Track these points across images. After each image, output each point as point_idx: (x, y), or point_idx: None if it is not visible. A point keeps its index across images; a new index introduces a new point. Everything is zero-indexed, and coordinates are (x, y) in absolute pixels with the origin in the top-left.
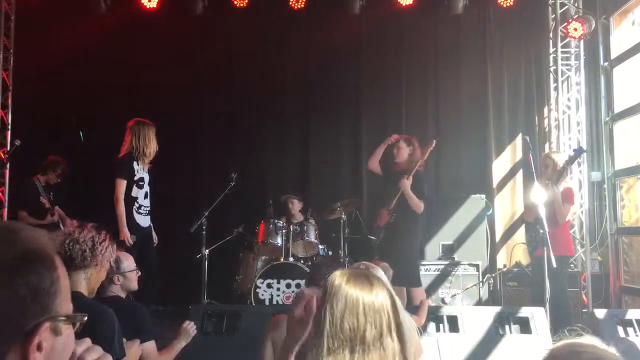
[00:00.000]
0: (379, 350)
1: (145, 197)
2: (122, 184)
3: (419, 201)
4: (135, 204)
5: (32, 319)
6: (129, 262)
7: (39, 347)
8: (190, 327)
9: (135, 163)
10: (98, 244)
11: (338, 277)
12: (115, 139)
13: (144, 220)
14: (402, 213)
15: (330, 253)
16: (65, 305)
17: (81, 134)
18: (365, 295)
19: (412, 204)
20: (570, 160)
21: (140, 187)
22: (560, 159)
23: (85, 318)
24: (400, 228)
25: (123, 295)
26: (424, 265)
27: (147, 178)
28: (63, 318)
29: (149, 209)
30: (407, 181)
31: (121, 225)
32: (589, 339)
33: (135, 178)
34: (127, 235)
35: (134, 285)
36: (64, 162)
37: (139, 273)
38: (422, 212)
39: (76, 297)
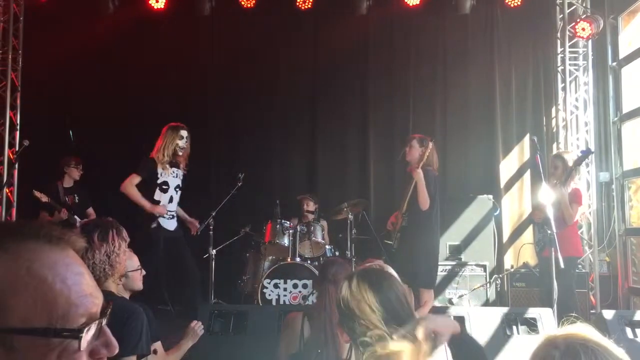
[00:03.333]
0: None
1: (170, 201)
2: (133, 177)
3: (427, 196)
4: None
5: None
6: (132, 262)
7: None
8: (197, 327)
9: (159, 166)
10: (114, 256)
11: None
12: (124, 138)
13: (169, 224)
14: (413, 215)
15: (337, 253)
16: (24, 312)
17: (71, 133)
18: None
19: (422, 197)
20: (578, 161)
21: (164, 191)
22: (570, 159)
23: (91, 332)
24: (413, 230)
25: (127, 295)
26: None
27: (173, 183)
28: (6, 331)
29: (174, 213)
30: (419, 171)
31: (144, 203)
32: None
33: (158, 181)
34: (157, 209)
35: (138, 285)
36: (70, 155)
37: (143, 272)
38: (435, 213)
39: (108, 295)
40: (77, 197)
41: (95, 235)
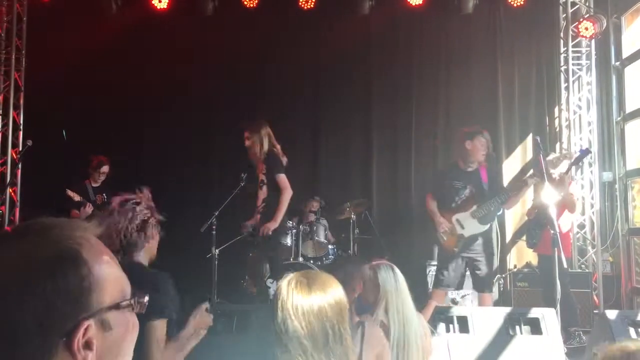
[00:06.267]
0: (329, 354)
1: (257, 196)
2: None
3: None
4: None
5: (68, 321)
6: None
7: (89, 346)
8: (206, 315)
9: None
10: (149, 224)
11: (284, 283)
12: (126, 138)
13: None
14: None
15: (340, 253)
16: (111, 294)
17: (64, 132)
18: (305, 300)
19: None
20: (576, 161)
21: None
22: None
23: (146, 299)
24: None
25: (146, 262)
26: (434, 265)
27: (259, 179)
28: (106, 310)
29: (258, 209)
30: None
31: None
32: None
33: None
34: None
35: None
36: (105, 161)
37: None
38: None
39: (138, 267)
40: (105, 196)
41: (128, 200)
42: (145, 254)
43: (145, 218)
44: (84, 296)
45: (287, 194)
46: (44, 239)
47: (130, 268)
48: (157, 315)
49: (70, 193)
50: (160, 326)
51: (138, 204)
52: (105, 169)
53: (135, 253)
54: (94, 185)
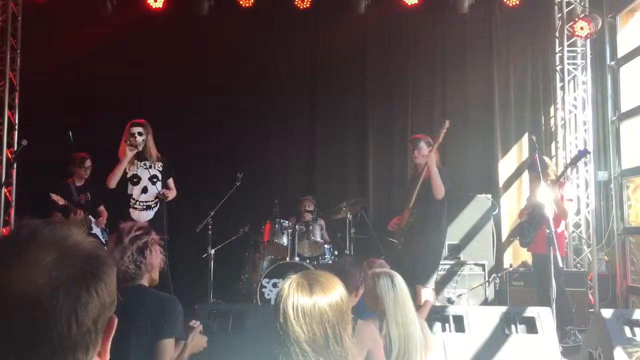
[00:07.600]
0: (328, 356)
1: (144, 192)
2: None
3: (441, 183)
4: (131, 200)
5: (106, 317)
6: None
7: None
8: (202, 339)
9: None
10: (148, 253)
11: (286, 284)
12: (120, 137)
13: (139, 215)
14: (423, 209)
15: (336, 253)
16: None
17: (70, 134)
18: (306, 302)
19: (436, 184)
20: (573, 161)
21: (135, 183)
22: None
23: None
24: (422, 225)
25: (147, 283)
26: None
27: (146, 174)
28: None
29: (149, 204)
30: (432, 154)
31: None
32: None
33: (128, 176)
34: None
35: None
36: (87, 156)
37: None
38: (444, 211)
39: (141, 289)
40: (89, 195)
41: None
42: (146, 278)
43: (148, 244)
44: (114, 291)
45: (173, 194)
46: (69, 248)
47: (139, 292)
48: (169, 335)
49: (54, 197)
50: (171, 345)
51: (141, 229)
52: (88, 163)
53: (138, 278)
54: (78, 184)
